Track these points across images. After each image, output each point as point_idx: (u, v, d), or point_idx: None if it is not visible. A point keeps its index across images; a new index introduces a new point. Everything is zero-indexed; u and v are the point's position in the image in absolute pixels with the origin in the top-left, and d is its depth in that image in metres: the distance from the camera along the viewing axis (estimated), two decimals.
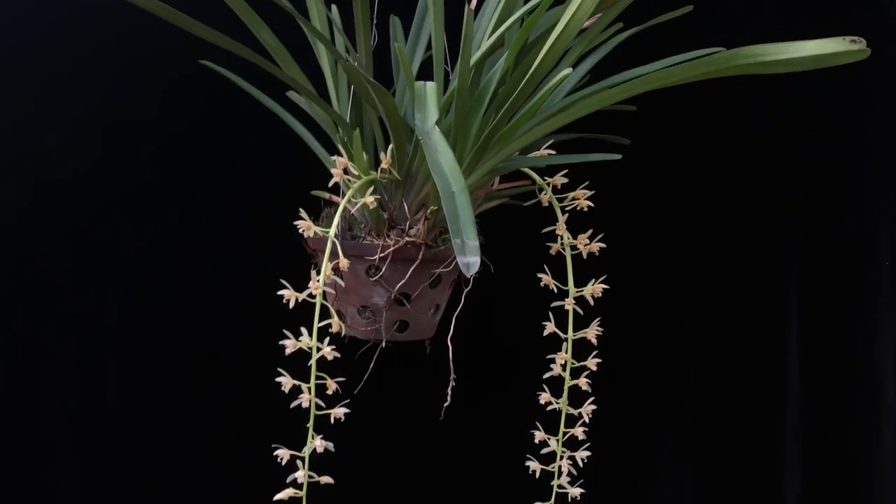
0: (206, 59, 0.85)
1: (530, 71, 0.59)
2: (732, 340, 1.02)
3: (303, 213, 0.67)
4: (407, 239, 0.71)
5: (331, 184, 0.69)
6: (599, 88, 0.70)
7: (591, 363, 0.70)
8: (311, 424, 0.62)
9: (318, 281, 0.62)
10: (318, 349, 0.62)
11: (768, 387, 1.03)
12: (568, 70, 0.59)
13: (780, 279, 1.01)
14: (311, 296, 0.63)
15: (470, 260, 0.49)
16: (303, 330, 0.63)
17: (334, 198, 0.77)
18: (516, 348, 0.94)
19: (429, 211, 0.70)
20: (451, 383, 0.72)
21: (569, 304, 0.69)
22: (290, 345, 0.62)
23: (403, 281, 0.72)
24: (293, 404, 0.62)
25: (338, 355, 0.63)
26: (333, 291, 0.65)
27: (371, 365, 0.74)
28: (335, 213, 0.75)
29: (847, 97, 1.00)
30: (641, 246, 0.98)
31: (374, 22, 0.75)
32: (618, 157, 0.68)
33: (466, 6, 0.58)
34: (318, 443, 0.62)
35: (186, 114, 0.95)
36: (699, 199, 1.01)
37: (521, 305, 0.78)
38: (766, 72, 0.53)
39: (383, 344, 0.74)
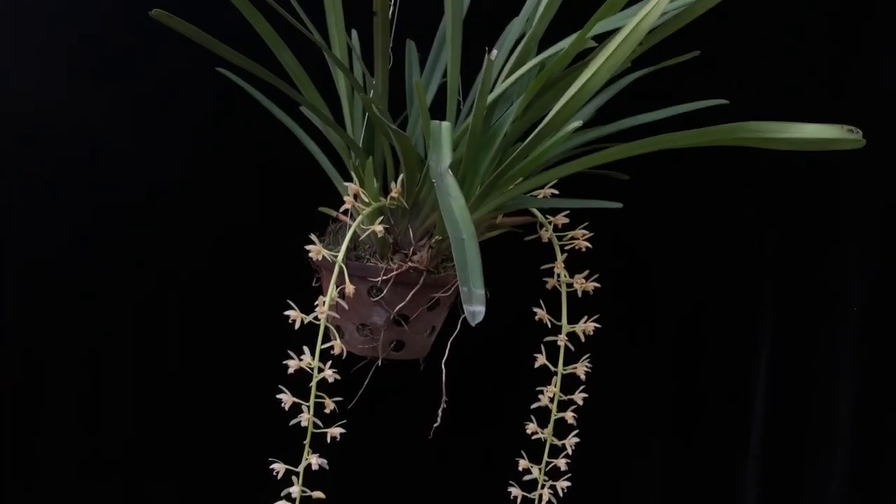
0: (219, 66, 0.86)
1: (544, 123, 0.62)
2: (706, 383, 1.06)
3: (313, 238, 0.69)
4: (410, 264, 0.74)
5: (342, 209, 0.71)
6: (605, 135, 0.72)
7: (578, 397, 0.73)
8: (307, 441, 0.65)
9: (324, 304, 0.64)
10: (320, 370, 0.65)
11: (737, 425, 1.07)
12: (577, 123, 0.62)
13: (755, 325, 1.05)
14: (316, 318, 0.65)
15: (476, 309, 0.51)
16: (305, 349, 0.65)
17: (341, 216, 0.80)
18: (505, 376, 0.98)
19: (434, 240, 0.73)
20: (443, 405, 0.75)
21: (561, 339, 0.72)
22: (292, 364, 0.65)
23: (403, 303, 0.74)
24: (292, 422, 0.65)
25: (338, 377, 0.65)
26: (337, 315, 0.67)
27: (366, 382, 0.77)
28: (339, 230, 0.78)
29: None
30: (632, 282, 1.01)
31: (391, 45, 0.77)
32: (618, 205, 0.71)
33: (487, 57, 0.60)
34: (314, 460, 0.65)
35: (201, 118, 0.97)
36: (690, 240, 1.04)
37: (514, 334, 0.81)
38: (766, 147, 0.55)
39: (379, 362, 0.76)
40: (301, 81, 0.75)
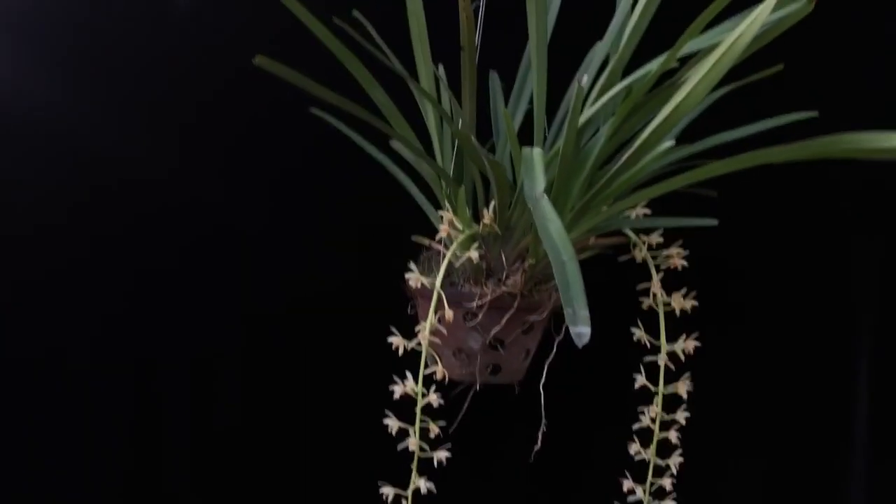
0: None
1: (636, 144, 0.62)
2: (803, 399, 1.04)
3: (412, 266, 0.71)
4: (504, 288, 0.75)
5: (437, 238, 0.73)
6: (695, 152, 0.72)
7: (681, 416, 0.73)
8: (414, 465, 0.67)
9: (424, 330, 0.66)
10: (424, 395, 0.67)
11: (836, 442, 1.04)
12: (669, 143, 0.62)
13: (851, 342, 1.03)
14: (418, 344, 0.67)
15: (581, 330, 0.52)
16: (408, 374, 0.67)
17: (434, 244, 0.81)
18: (604, 396, 0.97)
19: (526, 264, 0.74)
20: (542, 428, 0.75)
21: (662, 359, 0.72)
22: (398, 390, 0.66)
23: (499, 328, 0.75)
24: (400, 446, 0.66)
25: (442, 402, 0.67)
26: (438, 340, 0.69)
27: (465, 406, 0.79)
28: (433, 258, 0.80)
29: None
30: (728, 301, 1.00)
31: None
32: (714, 222, 0.71)
33: (577, 83, 0.62)
34: (421, 483, 0.66)
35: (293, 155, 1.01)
36: (783, 253, 1.03)
37: (611, 355, 0.81)
38: (867, 157, 0.55)
39: (477, 386, 0.77)
40: (392, 116, 0.78)
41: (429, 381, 0.68)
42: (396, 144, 0.87)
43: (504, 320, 0.75)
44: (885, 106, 1.00)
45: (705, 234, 0.79)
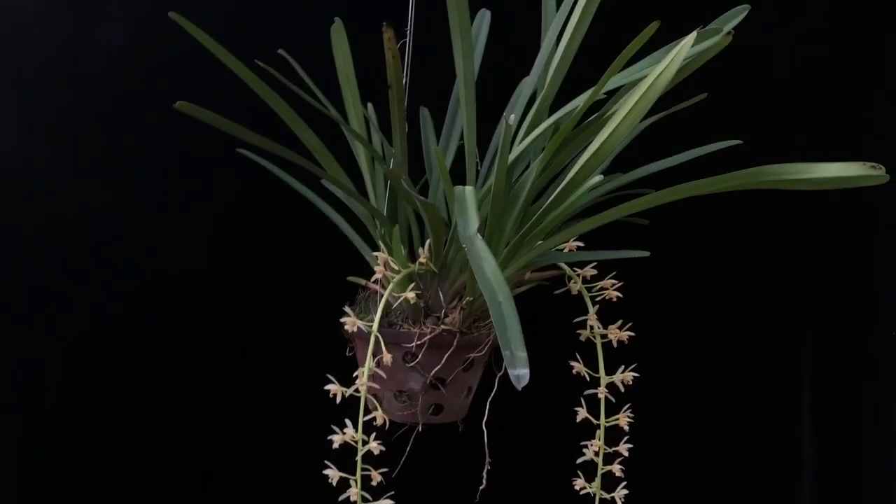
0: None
1: (565, 180, 0.63)
2: (748, 422, 1.06)
3: (348, 310, 0.70)
4: (443, 327, 0.74)
5: (373, 279, 0.72)
6: (625, 183, 0.73)
7: (623, 449, 0.73)
8: None
9: (363, 374, 0.65)
10: (364, 442, 0.65)
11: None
12: (599, 178, 0.63)
13: (794, 369, 1.05)
14: (356, 391, 0.66)
15: (520, 372, 0.51)
16: (347, 422, 0.65)
17: (370, 285, 0.80)
18: (548, 432, 0.97)
19: (464, 301, 0.74)
20: (487, 466, 0.74)
21: (601, 392, 0.72)
22: (337, 439, 0.65)
23: (439, 367, 0.74)
24: (341, 497, 0.64)
25: (383, 449, 0.65)
26: (377, 385, 0.67)
27: (408, 448, 0.77)
28: (369, 298, 0.79)
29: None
30: (665, 326, 1.01)
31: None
32: (645, 254, 0.72)
33: (504, 122, 0.62)
34: None
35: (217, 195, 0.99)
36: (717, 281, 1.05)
37: (551, 388, 0.81)
38: (791, 188, 0.56)
39: (420, 427, 0.76)
40: (323, 157, 0.77)
41: (370, 427, 0.67)
42: (328, 184, 0.86)
43: (444, 359, 0.74)
44: (812, 135, 1.04)
45: (640, 264, 0.81)
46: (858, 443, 1.08)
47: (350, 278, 0.81)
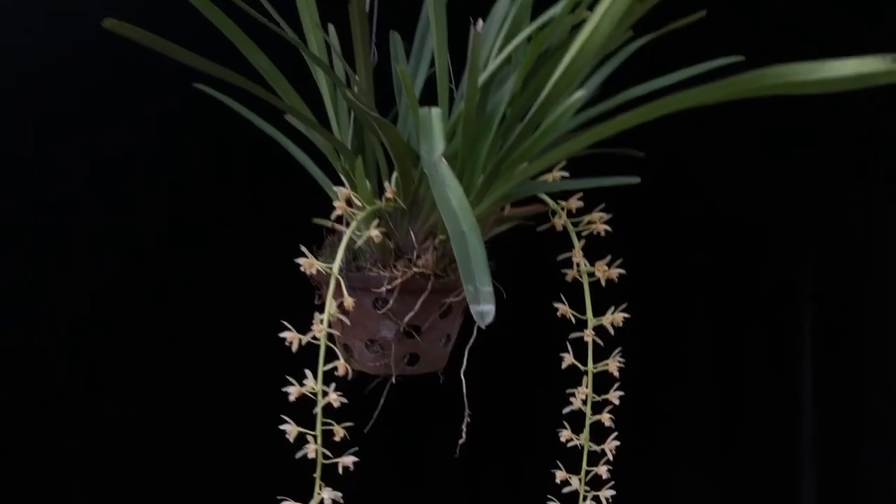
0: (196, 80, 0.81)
1: (542, 95, 0.55)
2: (749, 366, 0.99)
3: (304, 249, 0.63)
4: (415, 270, 0.68)
5: (333, 216, 0.66)
6: (614, 106, 0.66)
7: (614, 396, 0.67)
8: (318, 475, 0.59)
9: (321, 322, 0.58)
10: (325, 394, 0.59)
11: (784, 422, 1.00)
12: (581, 93, 0.56)
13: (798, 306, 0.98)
14: (315, 338, 0.59)
15: (484, 308, 0.45)
16: (307, 373, 0.59)
17: (337, 226, 0.74)
18: (533, 380, 0.91)
19: (437, 241, 0.67)
20: (466, 419, 0.69)
21: (588, 335, 0.65)
22: (294, 392, 0.59)
23: (413, 313, 0.68)
24: (298, 454, 0.59)
25: (345, 401, 0.59)
26: (339, 333, 0.61)
27: (381, 402, 0.71)
28: (338, 241, 0.72)
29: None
30: (661, 267, 0.94)
31: (374, 40, 0.72)
32: (636, 180, 0.65)
33: (472, 29, 0.54)
34: (325, 495, 0.59)
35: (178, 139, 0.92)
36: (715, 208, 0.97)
37: (537, 334, 0.75)
38: (797, 92, 0.48)
39: (393, 379, 0.70)
40: (279, 85, 0.70)
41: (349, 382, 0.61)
42: (290, 118, 0.79)
43: (418, 304, 0.68)
44: (813, 40, 0.95)
45: (631, 196, 0.73)
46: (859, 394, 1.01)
47: (316, 220, 0.74)
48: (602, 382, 0.67)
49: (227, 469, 0.95)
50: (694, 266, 0.97)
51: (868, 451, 1.00)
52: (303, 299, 0.72)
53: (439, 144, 0.54)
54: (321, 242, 0.75)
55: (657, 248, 0.94)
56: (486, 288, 0.46)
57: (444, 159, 0.53)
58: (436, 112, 0.58)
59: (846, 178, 1.01)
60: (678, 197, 0.95)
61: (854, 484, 1.01)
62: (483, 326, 0.45)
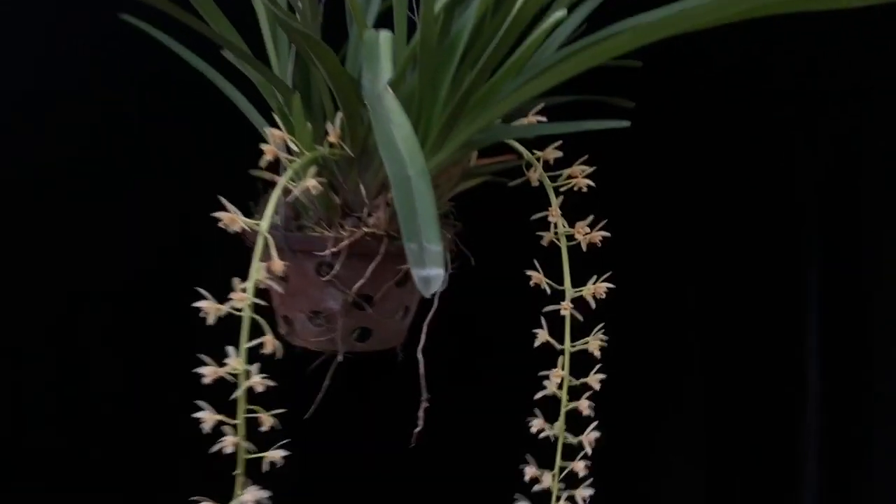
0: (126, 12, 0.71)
1: (512, 13, 0.45)
2: (749, 344, 0.90)
3: (224, 202, 0.53)
4: (365, 229, 0.58)
5: (262, 163, 0.55)
6: (600, 38, 0.56)
7: (594, 381, 0.57)
8: (239, 472, 0.49)
9: (242, 290, 0.48)
10: (248, 375, 0.49)
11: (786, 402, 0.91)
12: (562, 13, 0.45)
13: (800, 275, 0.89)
14: (236, 309, 0.49)
15: (430, 273, 0.35)
16: (229, 350, 0.49)
17: (276, 178, 0.64)
18: (501, 359, 0.82)
19: (390, 195, 0.57)
20: (424, 404, 0.59)
21: (565, 307, 0.56)
22: (209, 373, 0.48)
23: (363, 281, 0.59)
24: (214, 448, 0.49)
25: (271, 383, 0.49)
26: (277, 303, 0.51)
27: (325, 384, 0.62)
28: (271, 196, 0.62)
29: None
30: (649, 231, 0.84)
31: None
32: (625, 124, 0.55)
33: None
34: (249, 496, 0.49)
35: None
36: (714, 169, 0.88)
37: (507, 306, 0.65)
38: (810, 8, 0.39)
39: (340, 357, 0.61)
40: (207, 11, 0.59)
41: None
42: (227, 54, 0.69)
43: (369, 271, 0.59)
44: None
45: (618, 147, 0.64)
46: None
47: (253, 172, 0.64)
48: (581, 363, 0.58)
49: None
50: (689, 229, 0.87)
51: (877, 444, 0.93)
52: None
53: (386, 71, 0.45)
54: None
55: (648, 206, 0.84)
56: (434, 247, 0.36)
57: (389, 89, 0.43)
58: (384, 34, 0.48)
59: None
60: (673, 149, 0.85)
61: (860, 477, 0.93)
62: (427, 295, 0.35)
